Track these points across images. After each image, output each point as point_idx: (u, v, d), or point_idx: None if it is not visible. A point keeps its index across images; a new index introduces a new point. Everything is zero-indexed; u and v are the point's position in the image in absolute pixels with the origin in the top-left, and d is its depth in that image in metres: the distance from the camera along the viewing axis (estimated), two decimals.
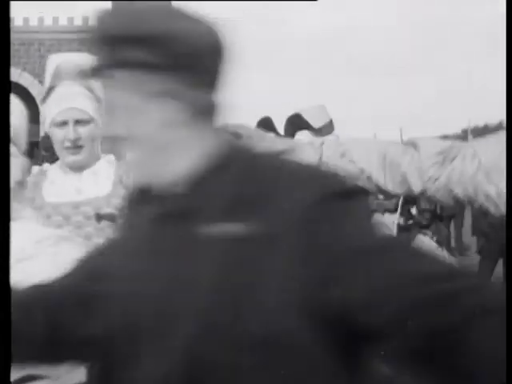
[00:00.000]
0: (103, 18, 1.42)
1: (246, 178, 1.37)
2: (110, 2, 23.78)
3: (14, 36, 26.06)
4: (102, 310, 1.44)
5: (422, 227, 9.72)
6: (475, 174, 1.91)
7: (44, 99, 3.09)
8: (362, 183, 1.97)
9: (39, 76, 28.72)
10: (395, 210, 9.93)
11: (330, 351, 1.31)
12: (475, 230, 11.83)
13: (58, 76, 3.03)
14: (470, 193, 1.96)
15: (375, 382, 1.41)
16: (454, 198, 1.98)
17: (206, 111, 1.43)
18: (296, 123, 6.04)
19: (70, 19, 28.98)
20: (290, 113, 4.29)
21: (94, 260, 1.59)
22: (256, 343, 1.30)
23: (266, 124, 5.98)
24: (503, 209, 1.87)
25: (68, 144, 2.95)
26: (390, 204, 10.04)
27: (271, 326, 1.29)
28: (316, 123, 4.24)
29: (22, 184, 2.86)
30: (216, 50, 1.46)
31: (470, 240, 15.19)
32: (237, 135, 1.99)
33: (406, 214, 9.78)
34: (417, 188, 2.00)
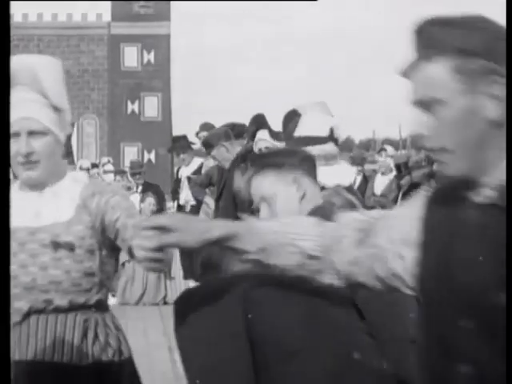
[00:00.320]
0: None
1: None
2: (109, 1, 23.53)
3: (13, 32, 25.92)
4: None
5: None
6: (385, 251, 1.76)
7: None
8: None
9: None
10: None
11: None
12: None
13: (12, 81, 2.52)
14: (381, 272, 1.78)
15: None
16: (376, 278, 1.79)
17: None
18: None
19: (69, 15, 28.93)
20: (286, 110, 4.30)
21: None
22: None
23: (259, 121, 5.97)
24: (410, 283, 1.73)
25: (21, 159, 2.59)
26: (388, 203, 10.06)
27: None
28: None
29: None
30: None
31: None
32: None
33: None
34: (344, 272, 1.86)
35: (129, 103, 28.75)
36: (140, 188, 11.00)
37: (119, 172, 11.63)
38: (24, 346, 2.56)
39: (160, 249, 1.85)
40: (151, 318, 9.25)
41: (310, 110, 3.78)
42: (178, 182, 9.04)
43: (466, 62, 1.53)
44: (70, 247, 2.56)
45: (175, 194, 9.25)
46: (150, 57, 28.73)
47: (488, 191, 1.56)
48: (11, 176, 2.46)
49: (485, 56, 1.53)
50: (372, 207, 8.60)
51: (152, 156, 28.50)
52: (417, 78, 1.61)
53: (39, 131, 2.60)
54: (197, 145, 8.84)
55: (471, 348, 1.51)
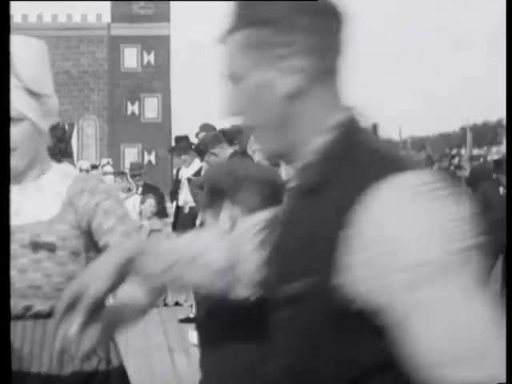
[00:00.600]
0: None
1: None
2: (108, 2, 23.54)
3: (13, 33, 25.91)
4: None
5: None
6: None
7: None
8: None
9: None
10: None
11: None
12: None
13: None
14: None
15: None
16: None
17: (326, 77, 1.45)
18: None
19: (69, 16, 28.93)
20: None
21: None
22: None
23: None
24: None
25: None
26: None
27: None
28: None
29: None
30: (332, 11, 1.49)
31: None
32: None
33: None
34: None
35: (129, 104, 28.76)
36: (140, 189, 11.00)
37: (119, 173, 11.60)
38: None
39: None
40: (151, 319, 9.24)
41: None
42: (177, 182, 9.03)
43: (254, 35, 1.43)
44: (50, 248, 2.32)
45: (174, 195, 9.24)
46: (149, 58, 28.74)
47: (292, 173, 1.48)
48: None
49: (273, 28, 1.42)
50: None
51: (152, 157, 28.52)
52: (224, 50, 1.53)
53: (13, 117, 2.31)
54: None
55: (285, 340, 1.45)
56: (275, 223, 1.57)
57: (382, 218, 1.28)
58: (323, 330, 1.36)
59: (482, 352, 1.26)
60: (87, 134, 28.68)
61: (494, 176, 10.68)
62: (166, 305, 10.06)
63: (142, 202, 10.32)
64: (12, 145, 2.30)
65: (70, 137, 28.66)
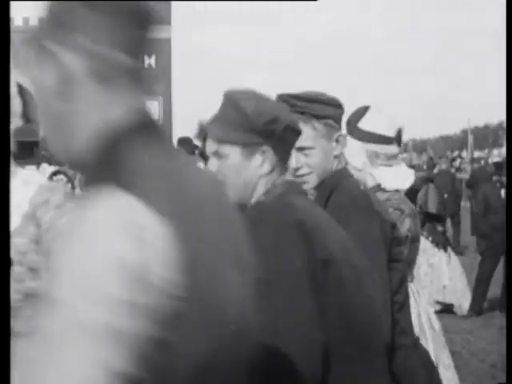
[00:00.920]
0: None
1: None
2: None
3: (13, 36, 25.93)
4: None
5: None
6: None
7: None
8: None
9: None
10: None
11: None
12: (474, 230, 11.82)
13: None
14: None
15: None
16: None
17: (115, 73, 1.30)
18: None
19: None
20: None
21: None
22: None
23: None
24: None
25: None
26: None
27: None
28: None
29: None
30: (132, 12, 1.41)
31: (468, 240, 15.21)
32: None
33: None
34: None
35: None
36: None
37: None
38: None
39: None
40: None
41: (378, 109, 3.68)
42: None
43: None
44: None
45: None
46: (150, 61, 28.83)
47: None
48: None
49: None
50: None
51: None
52: None
53: None
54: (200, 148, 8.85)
55: None
56: None
57: None
58: None
59: None
60: None
61: (495, 178, 10.70)
62: None
63: None
64: None
65: None
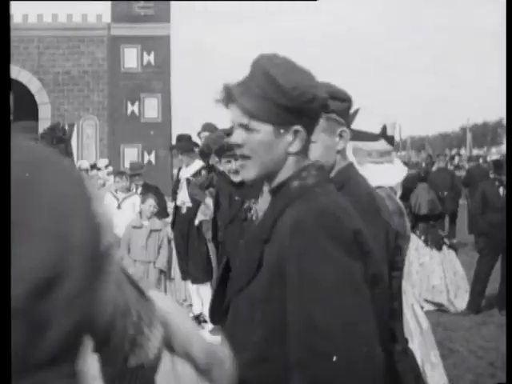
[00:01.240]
0: None
1: None
2: (108, 2, 23.50)
3: (13, 33, 25.90)
4: None
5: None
6: None
7: None
8: None
9: (38, 73, 28.66)
10: None
11: None
12: (472, 229, 11.83)
13: None
14: None
15: None
16: None
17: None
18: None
19: (69, 16, 28.95)
20: None
21: None
22: None
23: None
24: None
25: None
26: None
27: None
28: None
29: None
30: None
31: (467, 238, 15.20)
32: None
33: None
34: None
35: (129, 104, 28.75)
36: (140, 189, 11.00)
37: (118, 173, 11.60)
38: None
39: None
40: None
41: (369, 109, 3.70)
42: (178, 182, 9.04)
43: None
44: None
45: (175, 195, 9.25)
46: (149, 58, 28.74)
47: None
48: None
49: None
50: None
51: (152, 157, 28.51)
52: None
53: None
54: (199, 146, 8.84)
55: None
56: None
57: None
58: None
59: None
60: (87, 134, 28.68)
61: (492, 176, 10.69)
62: None
63: (142, 201, 10.32)
64: None
65: (70, 137, 28.64)
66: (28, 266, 0.98)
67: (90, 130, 28.83)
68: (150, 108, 28.75)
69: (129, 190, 11.00)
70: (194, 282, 8.63)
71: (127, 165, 18.40)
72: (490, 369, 7.00)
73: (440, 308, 9.56)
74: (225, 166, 6.72)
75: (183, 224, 8.65)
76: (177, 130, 27.50)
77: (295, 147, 2.03)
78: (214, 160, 7.49)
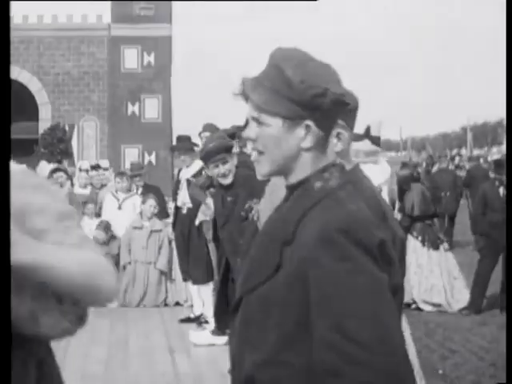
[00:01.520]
0: None
1: None
2: (109, 2, 23.57)
3: (13, 34, 26.04)
4: None
5: (403, 228, 9.76)
6: None
7: None
8: None
9: (38, 74, 28.65)
10: None
11: None
12: (474, 229, 11.81)
13: None
14: None
15: None
16: None
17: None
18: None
19: (70, 17, 28.95)
20: None
21: None
22: None
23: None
24: None
25: None
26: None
27: None
28: None
29: None
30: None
31: (468, 238, 15.20)
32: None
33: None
34: None
35: (129, 105, 28.75)
36: (140, 190, 10.99)
37: (118, 174, 11.58)
38: None
39: None
40: (152, 320, 9.24)
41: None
42: (178, 183, 9.03)
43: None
44: None
45: (175, 196, 9.23)
46: (150, 58, 28.74)
47: None
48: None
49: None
50: None
51: (152, 158, 28.51)
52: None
53: None
54: (199, 146, 8.83)
55: None
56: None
57: None
58: None
59: None
60: (87, 135, 28.68)
61: (493, 176, 10.67)
62: (166, 305, 10.07)
63: (143, 202, 10.31)
64: None
65: (71, 137, 28.64)
66: None
67: (91, 131, 28.83)
68: (151, 108, 28.75)
69: (129, 190, 10.99)
70: (195, 282, 8.62)
71: (128, 165, 18.39)
72: (491, 369, 6.99)
73: (438, 309, 9.54)
74: (213, 170, 6.71)
75: (184, 225, 8.64)
76: (177, 131, 27.53)
77: (307, 143, 1.99)
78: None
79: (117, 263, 10.37)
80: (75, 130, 28.41)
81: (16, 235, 1.74)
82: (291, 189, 2.05)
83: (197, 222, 8.26)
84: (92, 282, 1.94)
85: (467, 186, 16.20)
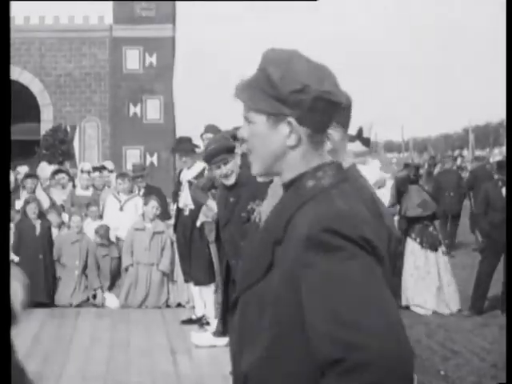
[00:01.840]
0: None
1: None
2: (110, 3, 23.61)
3: (14, 35, 26.05)
4: None
5: (401, 230, 9.75)
6: None
7: None
8: None
9: (40, 75, 28.66)
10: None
11: None
12: (472, 227, 11.82)
13: None
14: None
15: None
16: None
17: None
18: None
19: (71, 18, 28.96)
20: None
21: None
22: None
23: None
24: None
25: None
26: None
27: None
28: None
29: None
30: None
31: (470, 239, 15.20)
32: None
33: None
34: None
35: (131, 106, 28.75)
36: (142, 191, 10.99)
37: (120, 175, 11.57)
38: None
39: None
40: (153, 321, 9.25)
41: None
42: (179, 184, 9.03)
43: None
44: None
45: (175, 197, 9.24)
46: (152, 59, 28.74)
47: None
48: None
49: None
50: None
51: (154, 159, 28.50)
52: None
53: None
54: (201, 148, 8.83)
55: None
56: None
57: None
58: None
59: None
60: (89, 136, 28.66)
61: (497, 177, 10.67)
62: (168, 306, 10.07)
63: (145, 203, 10.32)
64: None
65: (72, 138, 28.64)
66: None
67: (92, 132, 28.82)
68: (152, 110, 28.74)
69: (131, 191, 10.99)
70: (197, 284, 8.62)
71: (129, 166, 18.38)
72: (492, 370, 6.99)
73: (434, 311, 9.53)
74: (215, 171, 6.72)
75: (186, 226, 8.64)
76: (179, 132, 27.53)
77: (291, 141, 1.98)
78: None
79: (118, 265, 10.39)
80: (77, 131, 28.41)
81: None
82: (285, 188, 2.05)
83: (198, 224, 8.27)
84: None
85: (470, 186, 16.20)
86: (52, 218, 10.59)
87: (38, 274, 9.94)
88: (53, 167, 13.97)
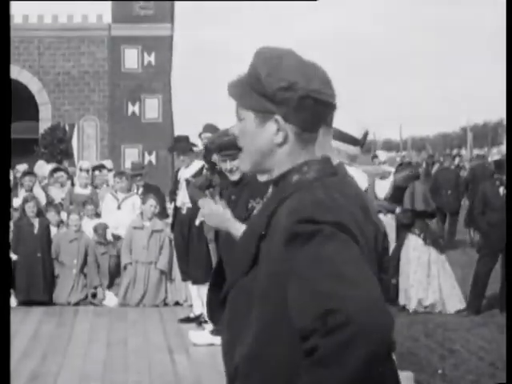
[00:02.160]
0: None
1: None
2: (109, 2, 23.65)
3: (13, 34, 26.01)
4: None
5: (403, 226, 9.75)
6: None
7: None
8: None
9: (38, 73, 28.65)
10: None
11: None
12: (466, 223, 11.83)
13: None
14: None
15: None
16: None
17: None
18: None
19: (70, 17, 28.95)
20: None
21: None
22: None
23: None
24: None
25: None
26: (391, 207, 10.07)
27: None
28: None
29: None
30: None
31: (467, 238, 15.21)
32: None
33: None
34: None
35: (129, 105, 28.75)
36: (141, 190, 10.99)
37: (118, 173, 11.57)
38: None
39: None
40: (151, 319, 9.25)
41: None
42: (176, 183, 9.03)
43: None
44: None
45: (173, 196, 9.23)
46: (150, 58, 28.74)
47: None
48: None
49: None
50: (378, 211, 8.55)
51: (153, 158, 28.50)
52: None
53: None
54: (198, 147, 8.83)
55: None
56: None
57: None
58: None
59: None
60: (88, 135, 28.66)
61: (495, 176, 10.67)
62: (166, 304, 10.07)
63: (143, 202, 10.32)
64: None
65: (71, 137, 28.63)
66: None
67: (91, 131, 28.82)
68: (151, 108, 28.74)
69: (129, 190, 10.98)
70: (195, 282, 8.62)
71: (128, 165, 18.37)
72: (490, 369, 6.99)
73: (433, 308, 9.52)
74: (220, 164, 6.73)
75: (183, 225, 8.64)
76: (177, 131, 27.53)
77: (279, 138, 1.97)
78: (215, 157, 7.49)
79: (117, 264, 10.39)
80: (75, 129, 28.41)
81: None
82: (274, 184, 2.05)
83: (197, 222, 8.26)
84: None
85: (469, 184, 16.23)
86: (50, 216, 10.59)
87: (36, 273, 9.95)
88: (50, 165, 13.97)
